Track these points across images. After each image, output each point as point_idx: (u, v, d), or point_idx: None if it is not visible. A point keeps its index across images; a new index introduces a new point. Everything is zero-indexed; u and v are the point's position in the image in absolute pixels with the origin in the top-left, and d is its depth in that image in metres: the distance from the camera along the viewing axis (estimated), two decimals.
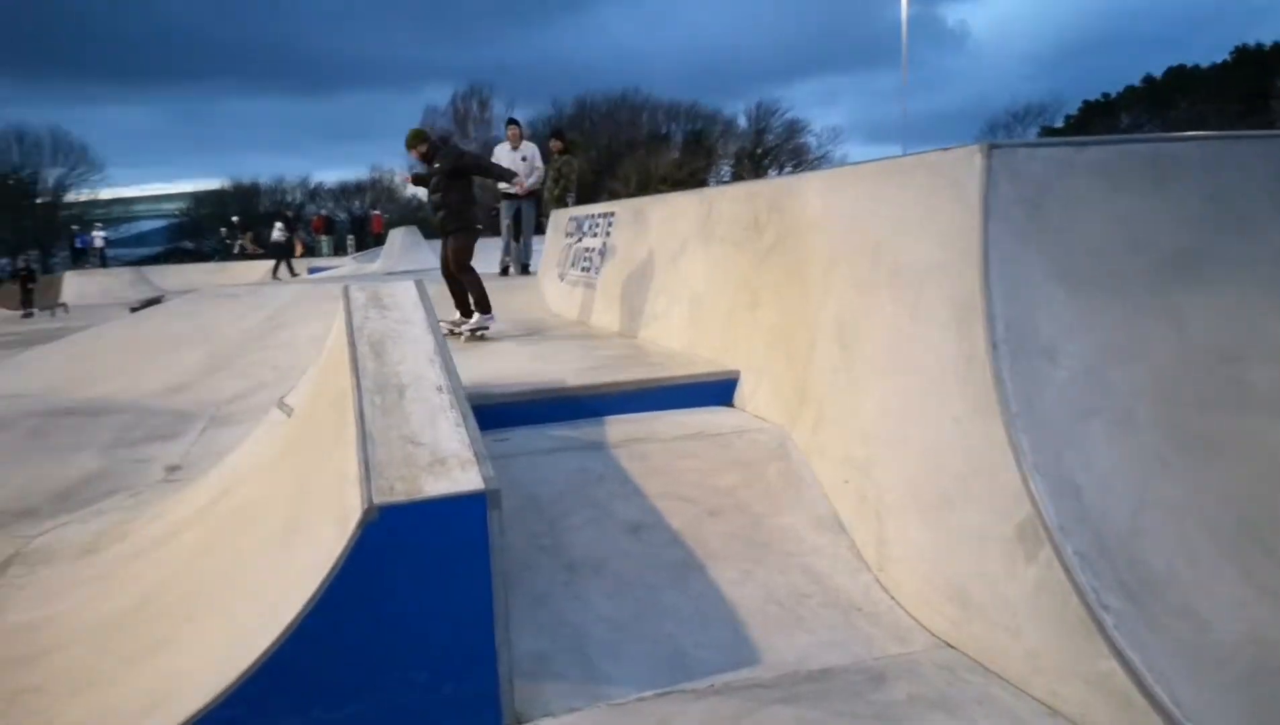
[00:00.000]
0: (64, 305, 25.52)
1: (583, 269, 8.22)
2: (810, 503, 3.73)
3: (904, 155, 3.83)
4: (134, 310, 16.07)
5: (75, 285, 30.92)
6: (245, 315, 11.28)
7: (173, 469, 5.86)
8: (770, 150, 60.82)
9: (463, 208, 7.12)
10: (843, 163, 40.65)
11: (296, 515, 2.93)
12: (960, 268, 3.09)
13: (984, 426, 2.89)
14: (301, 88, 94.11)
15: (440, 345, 3.45)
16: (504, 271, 11.41)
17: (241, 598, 2.76)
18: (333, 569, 2.33)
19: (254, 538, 3.16)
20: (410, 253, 19.66)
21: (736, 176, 54.61)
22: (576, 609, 3.08)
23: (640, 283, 6.54)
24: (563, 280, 8.87)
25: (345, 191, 64.22)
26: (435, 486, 2.46)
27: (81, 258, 39.35)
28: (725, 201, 5.31)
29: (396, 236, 20.81)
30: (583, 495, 3.69)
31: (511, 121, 11.23)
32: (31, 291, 25.85)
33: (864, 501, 3.49)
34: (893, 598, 3.18)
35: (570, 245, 8.90)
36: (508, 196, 10.96)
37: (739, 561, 3.39)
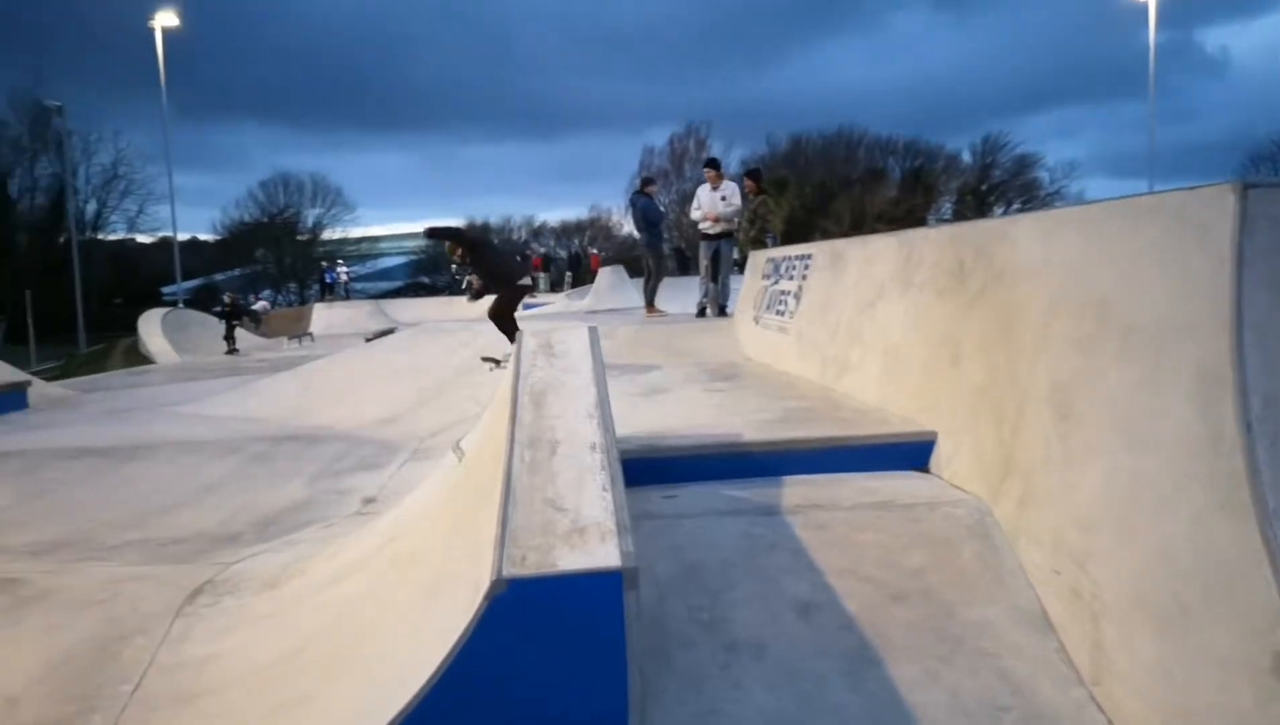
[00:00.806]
0: (310, 334, 28.06)
1: (777, 313, 7.93)
2: (1012, 593, 3.24)
3: (1140, 195, 3.30)
4: (368, 340, 17.28)
5: (322, 316, 34.06)
6: (456, 350, 11.78)
7: (368, 501, 6.08)
8: (996, 186, 57.92)
9: (494, 271, 9.14)
10: (1079, 199, 37.84)
11: (443, 573, 2.84)
12: (1206, 330, 2.57)
13: (1233, 525, 2.35)
14: (533, 132, 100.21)
15: (602, 398, 3.29)
16: (700, 313, 11.30)
17: (383, 657, 2.68)
18: (458, 643, 2.18)
19: (408, 591, 3.10)
20: (617, 292, 20.06)
21: (958, 215, 52.32)
22: (733, 698, 2.79)
23: (835, 330, 6.16)
24: (757, 323, 8.61)
25: (565, 230, 67.63)
26: (569, 560, 2.26)
27: (329, 291, 43.30)
28: (927, 245, 4.87)
29: (604, 276, 21.36)
30: (750, 566, 3.39)
31: (710, 163, 11.20)
32: (235, 327, 24.10)
33: (1078, 599, 2.97)
34: (1111, 722, 2.66)
35: (766, 287, 8.63)
36: (706, 237, 10.89)
37: (923, 657, 2.97)
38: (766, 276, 8.83)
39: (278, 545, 5.01)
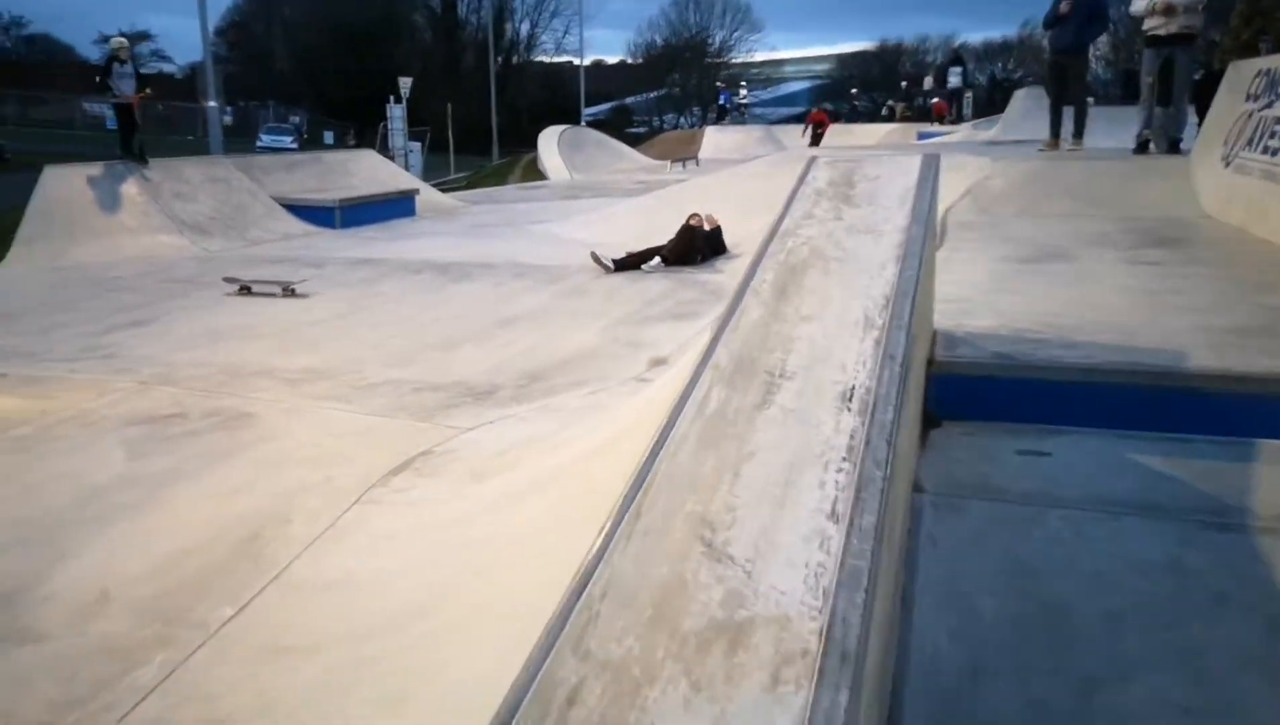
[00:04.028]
0: (695, 159, 27.67)
1: (1265, 150, 5.37)
2: None
3: None
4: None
5: (712, 140, 33.56)
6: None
7: (655, 363, 5.03)
8: None
9: None
10: None
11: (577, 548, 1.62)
12: None
13: None
14: None
15: (908, 283, 1.76)
16: (1141, 147, 8.36)
17: (509, 622, 1.56)
18: None
19: (588, 529, 1.94)
20: (1033, 118, 16.70)
21: None
22: None
23: None
24: (1228, 166, 6.02)
25: (989, 51, 60.54)
26: None
27: (725, 115, 42.69)
28: None
29: (1018, 99, 17.94)
30: (1166, 634, 1.76)
31: None
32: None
33: None
34: None
35: (1252, 113, 5.95)
36: (1153, 41, 7.85)
37: None
38: (1253, 97, 6.09)
39: (525, 412, 4.15)
